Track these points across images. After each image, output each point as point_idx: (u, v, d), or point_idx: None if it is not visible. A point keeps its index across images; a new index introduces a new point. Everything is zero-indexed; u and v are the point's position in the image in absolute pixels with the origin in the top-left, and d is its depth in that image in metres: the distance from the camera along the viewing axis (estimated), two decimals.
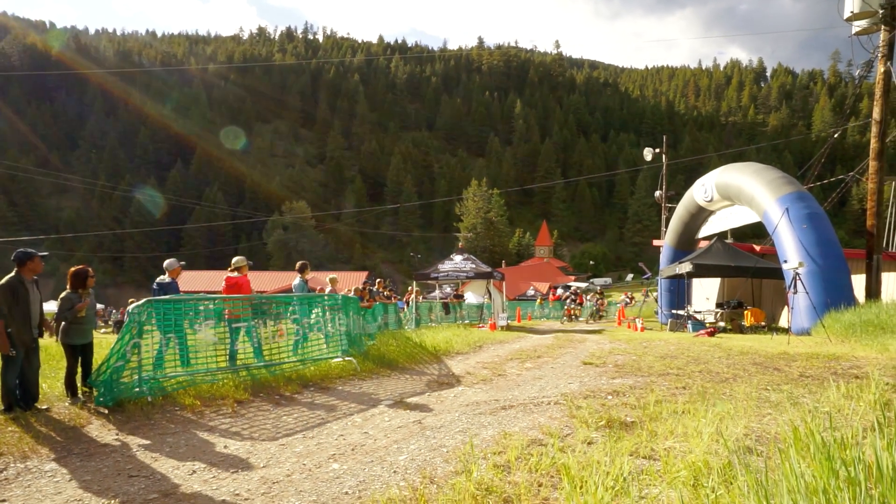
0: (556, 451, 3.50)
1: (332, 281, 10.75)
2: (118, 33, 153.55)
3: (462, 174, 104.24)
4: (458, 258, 17.17)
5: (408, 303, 17.02)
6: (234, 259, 7.92)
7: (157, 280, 7.24)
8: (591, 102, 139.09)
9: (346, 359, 7.46)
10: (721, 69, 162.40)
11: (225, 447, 4.26)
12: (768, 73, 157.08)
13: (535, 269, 68.16)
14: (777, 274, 13.23)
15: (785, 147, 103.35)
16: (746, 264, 14.22)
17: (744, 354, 7.86)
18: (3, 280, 4.91)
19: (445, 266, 16.83)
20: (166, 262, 7.36)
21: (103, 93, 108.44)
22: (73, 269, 5.57)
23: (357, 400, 5.93)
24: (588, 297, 29.84)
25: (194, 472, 3.67)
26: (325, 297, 8.19)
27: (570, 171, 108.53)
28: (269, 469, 3.70)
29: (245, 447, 4.24)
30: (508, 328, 15.99)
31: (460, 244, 24.64)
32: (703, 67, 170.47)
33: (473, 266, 16.91)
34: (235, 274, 7.70)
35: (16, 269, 4.99)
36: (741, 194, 14.38)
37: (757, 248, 16.69)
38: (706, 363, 7.21)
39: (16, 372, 4.91)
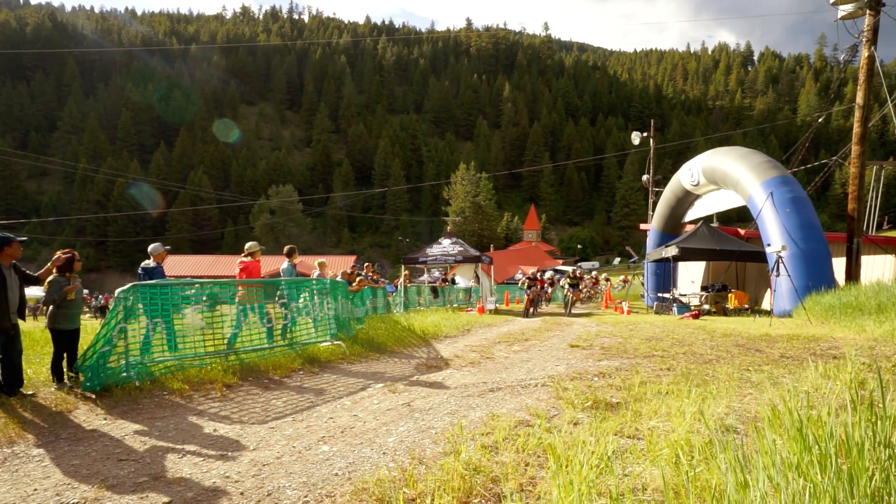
0: (542, 431, 3.57)
1: (321, 265, 10.71)
2: (96, 10, 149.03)
3: (450, 158, 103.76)
4: (446, 242, 17.20)
5: (397, 286, 17.07)
6: (248, 244, 8.08)
7: (143, 265, 7.17)
8: (580, 86, 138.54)
9: (335, 343, 7.48)
10: (709, 53, 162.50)
11: (214, 430, 4.27)
12: (755, 57, 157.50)
13: (523, 254, 68.42)
14: (761, 257, 13.45)
15: (771, 131, 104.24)
16: (731, 248, 14.43)
17: (727, 336, 8.03)
18: None
19: (434, 250, 16.86)
20: (151, 247, 7.30)
21: (82, 73, 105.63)
22: (59, 253, 5.50)
23: (346, 383, 5.97)
24: (563, 283, 23.21)
25: (184, 455, 3.68)
26: (314, 282, 8.17)
27: (559, 155, 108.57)
28: (259, 451, 3.73)
29: (235, 430, 4.26)
30: (496, 312, 16.11)
31: (448, 228, 24.60)
32: (692, 51, 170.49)
33: (462, 250, 16.96)
34: (248, 259, 7.85)
35: None
36: (727, 178, 14.53)
37: (742, 231, 16.92)
38: (690, 345, 7.35)
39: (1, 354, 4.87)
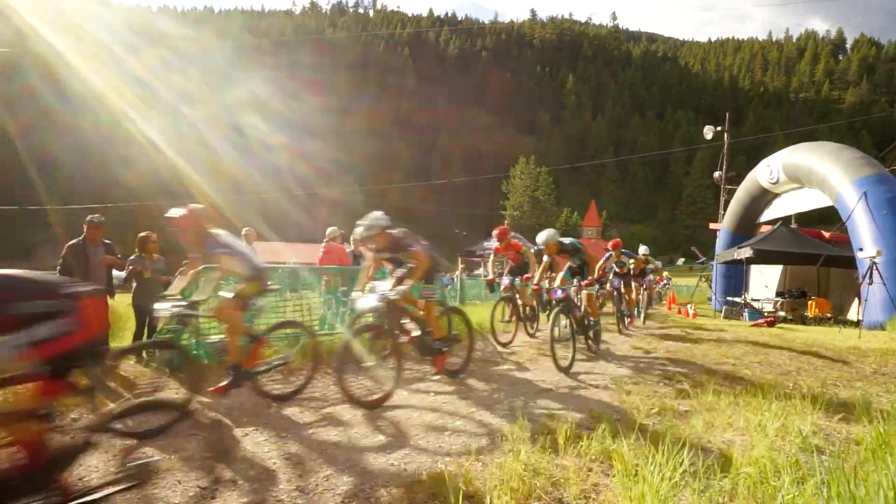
0: (606, 436, 3.40)
1: None
2: (178, 10, 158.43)
3: (510, 151, 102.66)
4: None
5: (453, 279, 17.05)
6: (329, 230, 8.45)
7: None
8: (648, 78, 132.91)
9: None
10: (794, 41, 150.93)
11: (277, 411, 4.39)
12: (848, 45, 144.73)
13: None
14: (849, 263, 12.36)
15: (863, 126, 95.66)
16: (814, 251, 13.36)
17: (808, 346, 7.42)
18: (71, 241, 5.34)
19: (491, 244, 16.69)
20: (245, 230, 7.83)
21: (164, 65, 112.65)
22: (140, 234, 5.92)
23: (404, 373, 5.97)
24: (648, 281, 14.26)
25: (247, 434, 3.80)
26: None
27: (623, 150, 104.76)
28: (317, 435, 3.78)
29: (295, 412, 4.36)
30: None
31: (506, 222, 24.35)
32: (774, 40, 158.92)
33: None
34: (332, 243, 8.24)
35: (84, 233, 5.40)
36: (812, 176, 13.43)
37: (826, 234, 15.63)
38: (766, 354, 6.85)
39: None
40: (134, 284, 5.77)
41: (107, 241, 5.58)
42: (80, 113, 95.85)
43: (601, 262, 9.36)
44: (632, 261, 10.74)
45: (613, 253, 9.99)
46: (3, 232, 76.97)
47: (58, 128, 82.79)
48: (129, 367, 5.36)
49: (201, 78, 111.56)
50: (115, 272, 5.84)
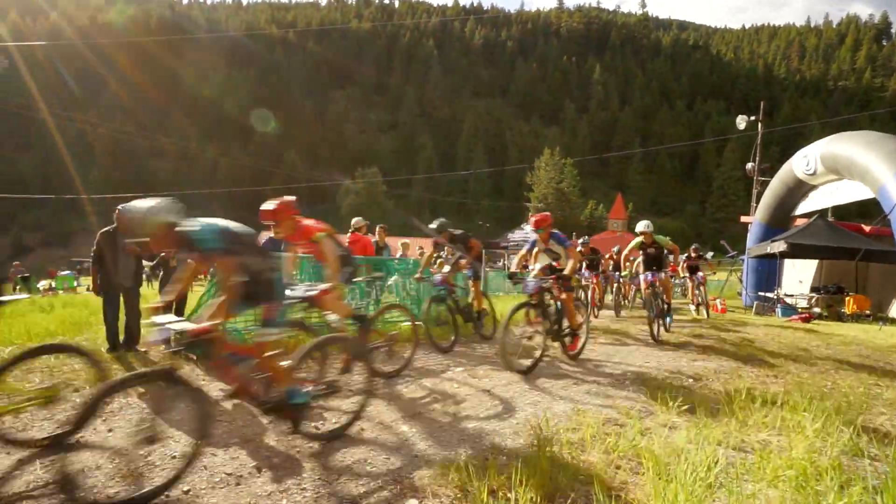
0: (634, 432, 3.31)
1: (404, 245, 10.87)
2: (207, 3, 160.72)
3: (534, 142, 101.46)
4: (528, 228, 16.83)
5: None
6: (354, 220, 8.61)
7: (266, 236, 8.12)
8: (678, 67, 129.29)
9: (416, 323, 7.52)
10: (834, 27, 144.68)
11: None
12: (893, 31, 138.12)
13: (607, 243, 65.76)
14: (890, 258, 11.85)
15: None
16: (854, 245, 12.83)
17: (847, 344, 7.14)
18: (103, 229, 5.47)
19: (515, 235, 16.56)
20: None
21: (195, 61, 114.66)
22: None
23: (425, 364, 5.96)
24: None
25: (270, 422, 3.82)
26: (397, 261, 8.28)
27: (650, 141, 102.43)
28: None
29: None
30: None
31: (531, 214, 24.04)
32: (812, 25, 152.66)
33: None
34: (358, 233, 8.35)
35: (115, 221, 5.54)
36: (852, 167, 12.86)
37: (866, 228, 15.00)
38: (802, 351, 6.61)
39: (113, 313, 5.45)
40: (161, 272, 5.90)
41: None
42: (116, 106, 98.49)
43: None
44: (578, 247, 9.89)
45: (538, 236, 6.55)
46: (45, 221, 80.00)
47: (95, 119, 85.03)
48: (159, 351, 5.47)
49: (229, 71, 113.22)
50: (144, 260, 5.96)
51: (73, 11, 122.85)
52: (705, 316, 11.57)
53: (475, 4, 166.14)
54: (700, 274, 12.10)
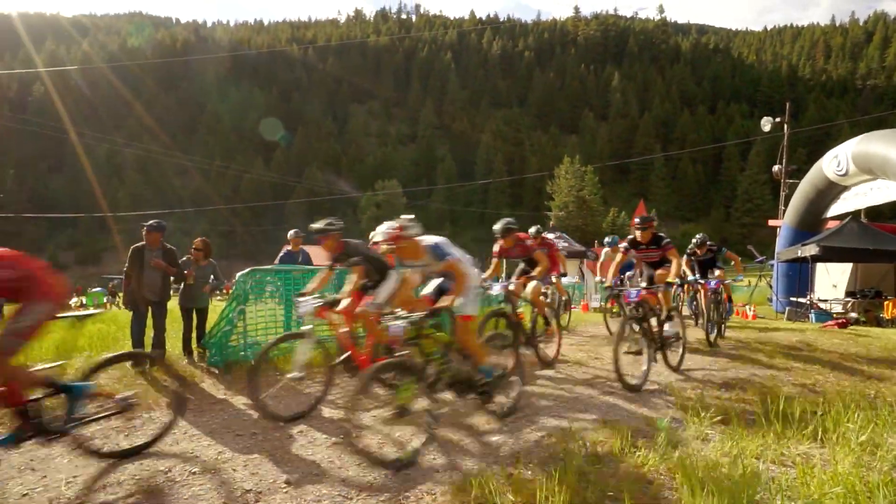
0: (664, 445, 3.16)
1: None
2: (231, 24, 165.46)
3: (554, 151, 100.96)
4: (550, 236, 16.62)
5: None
6: (372, 234, 8.57)
7: (284, 249, 8.38)
8: (698, 72, 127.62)
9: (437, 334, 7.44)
10: (861, 25, 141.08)
11: (319, 412, 4.37)
12: None
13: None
14: None
15: None
16: (892, 248, 12.32)
17: (888, 351, 6.80)
18: (134, 245, 5.64)
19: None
20: (290, 233, 8.18)
21: (218, 81, 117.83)
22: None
23: None
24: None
25: (292, 435, 3.78)
26: None
27: (671, 147, 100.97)
28: (360, 438, 3.71)
29: (337, 414, 4.33)
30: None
31: (552, 223, 23.81)
32: (838, 24, 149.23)
33: (566, 245, 16.31)
34: (377, 246, 8.37)
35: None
36: (887, 166, 12.39)
37: None
38: (841, 358, 6.31)
39: (139, 326, 5.56)
40: (181, 287, 6.02)
41: (169, 246, 5.80)
42: (143, 127, 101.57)
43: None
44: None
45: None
46: (78, 239, 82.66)
47: (122, 140, 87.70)
48: (182, 366, 5.50)
49: (251, 89, 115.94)
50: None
51: (104, 38, 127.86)
52: (718, 344, 7.42)
53: (492, 16, 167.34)
54: (716, 275, 8.40)
